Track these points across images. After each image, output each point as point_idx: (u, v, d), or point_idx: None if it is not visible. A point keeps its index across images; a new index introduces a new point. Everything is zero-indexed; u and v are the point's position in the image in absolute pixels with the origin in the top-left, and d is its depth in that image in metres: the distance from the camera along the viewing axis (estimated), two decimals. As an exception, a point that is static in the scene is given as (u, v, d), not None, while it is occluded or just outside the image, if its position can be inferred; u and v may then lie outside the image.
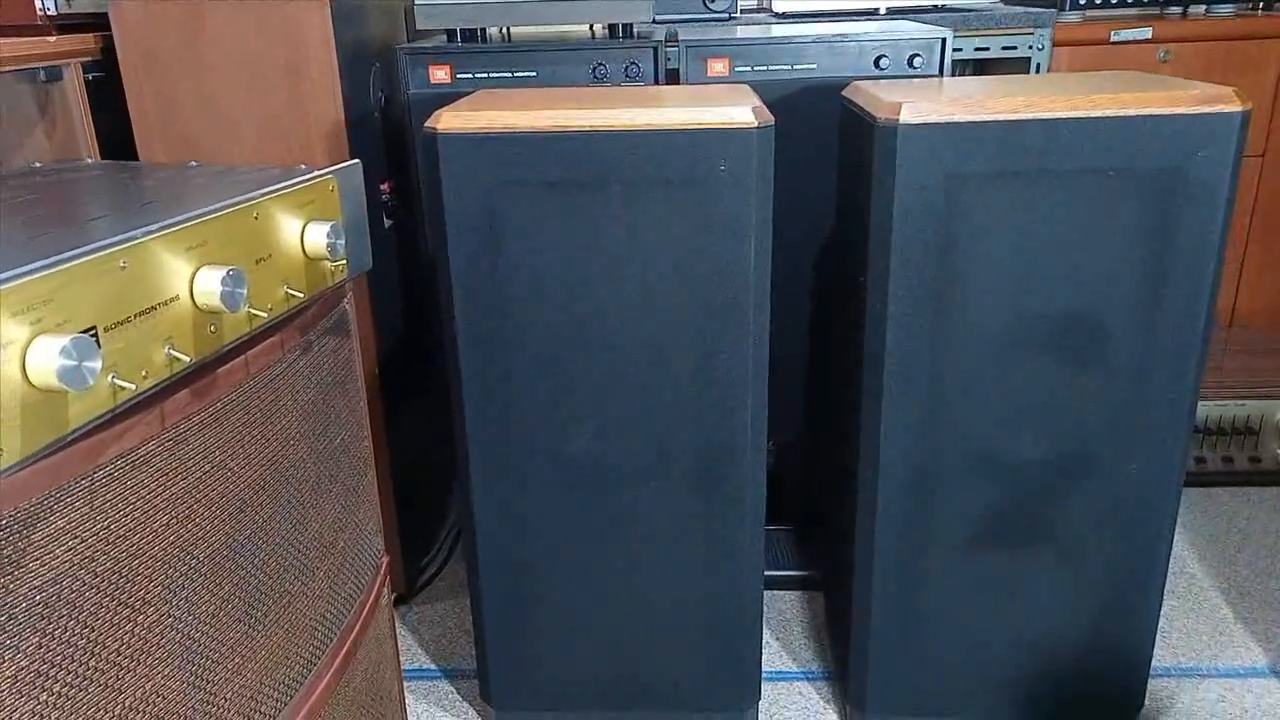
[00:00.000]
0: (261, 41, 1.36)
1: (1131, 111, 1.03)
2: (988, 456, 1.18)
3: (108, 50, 1.37)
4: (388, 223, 1.58)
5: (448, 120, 1.08)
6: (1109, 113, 1.03)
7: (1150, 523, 1.18)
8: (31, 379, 0.56)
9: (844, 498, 1.32)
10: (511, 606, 1.30)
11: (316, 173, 0.87)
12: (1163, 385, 1.12)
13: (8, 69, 1.21)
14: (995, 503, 1.20)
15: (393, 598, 1.20)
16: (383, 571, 1.11)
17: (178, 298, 0.68)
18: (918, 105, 1.05)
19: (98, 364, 0.58)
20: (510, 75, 1.44)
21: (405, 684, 1.41)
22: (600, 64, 1.43)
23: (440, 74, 1.45)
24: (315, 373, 0.92)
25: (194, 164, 0.95)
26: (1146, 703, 1.36)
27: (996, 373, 1.14)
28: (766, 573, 1.33)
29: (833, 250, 1.51)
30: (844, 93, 1.27)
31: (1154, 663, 1.46)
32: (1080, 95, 1.05)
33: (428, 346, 1.80)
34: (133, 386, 0.63)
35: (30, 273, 0.56)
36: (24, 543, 0.60)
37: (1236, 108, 1.02)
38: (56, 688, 0.63)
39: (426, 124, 1.09)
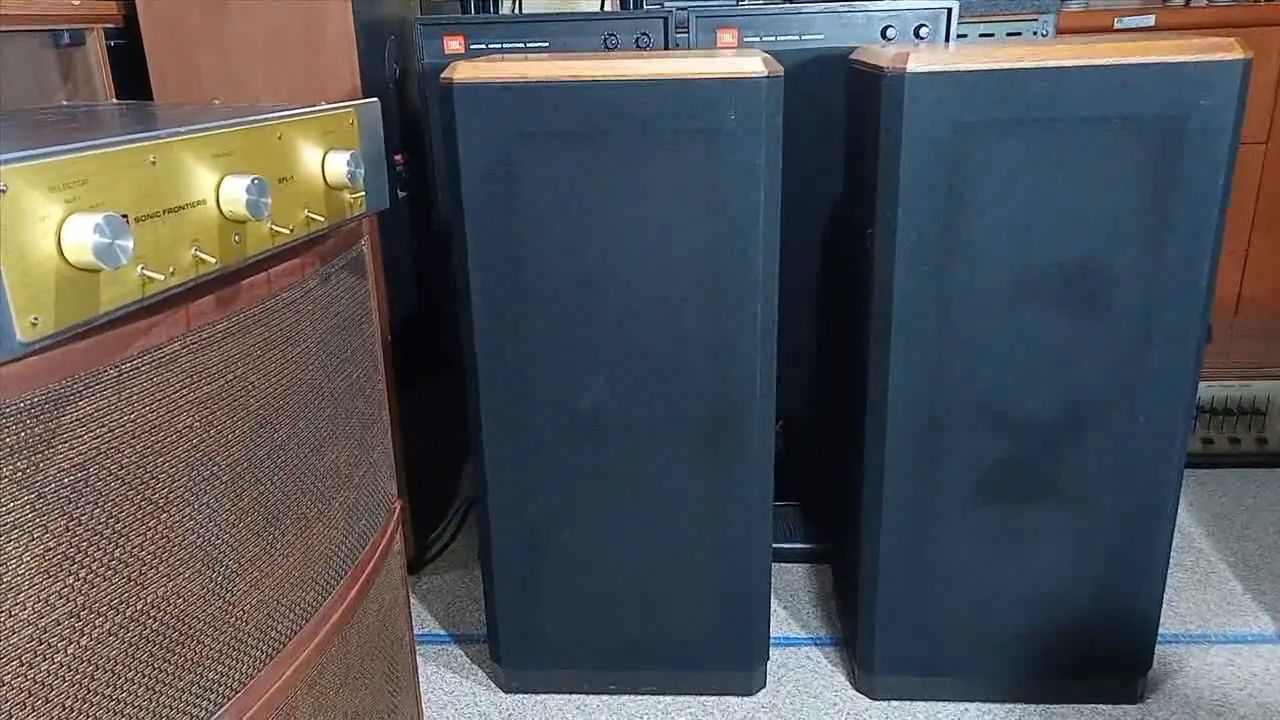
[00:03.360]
0: (281, 13, 1.39)
1: (1135, 60, 1.05)
2: (994, 408, 1.19)
3: (130, 18, 1.40)
4: (401, 194, 1.60)
5: (464, 70, 1.10)
6: (1113, 61, 1.05)
7: (1157, 475, 1.19)
8: (66, 255, 0.57)
9: (851, 458, 1.33)
10: (522, 563, 1.31)
11: (337, 105, 0.89)
12: (1169, 335, 1.13)
13: (30, 27, 1.24)
14: (1002, 456, 1.21)
15: (405, 555, 1.21)
16: (396, 516, 1.12)
17: (204, 202, 0.70)
18: (924, 55, 1.07)
19: (129, 243, 0.59)
20: (522, 45, 1.47)
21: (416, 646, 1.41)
22: (611, 34, 1.46)
23: (454, 44, 1.47)
24: (333, 305, 0.93)
25: (217, 101, 0.97)
26: (1155, 665, 1.36)
27: (1002, 323, 1.15)
28: (774, 545, 1.33)
29: (840, 220, 1.53)
30: (852, 56, 1.29)
31: (1162, 630, 1.46)
32: (1085, 46, 1.07)
33: (438, 323, 1.82)
34: (161, 278, 0.65)
35: (66, 151, 0.58)
36: (54, 423, 0.61)
37: (1239, 55, 1.04)
38: (83, 573, 0.64)
39: (443, 75, 1.11)
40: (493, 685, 1.40)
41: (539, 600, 1.33)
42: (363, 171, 0.88)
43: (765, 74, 1.08)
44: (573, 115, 1.10)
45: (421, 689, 1.38)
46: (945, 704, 1.33)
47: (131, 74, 1.40)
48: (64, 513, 0.63)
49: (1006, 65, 1.06)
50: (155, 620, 0.71)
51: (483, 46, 1.47)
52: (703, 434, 1.23)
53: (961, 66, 1.06)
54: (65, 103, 0.99)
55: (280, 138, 0.80)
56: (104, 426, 0.65)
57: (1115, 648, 1.28)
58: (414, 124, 1.65)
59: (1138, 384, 1.16)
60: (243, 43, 1.40)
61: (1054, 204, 1.11)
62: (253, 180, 0.72)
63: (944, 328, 1.16)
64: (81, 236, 0.57)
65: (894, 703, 1.34)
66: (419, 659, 1.46)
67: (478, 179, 1.13)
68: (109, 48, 1.38)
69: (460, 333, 1.22)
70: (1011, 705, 1.33)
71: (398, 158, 1.57)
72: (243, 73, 1.41)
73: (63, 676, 0.64)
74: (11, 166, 0.54)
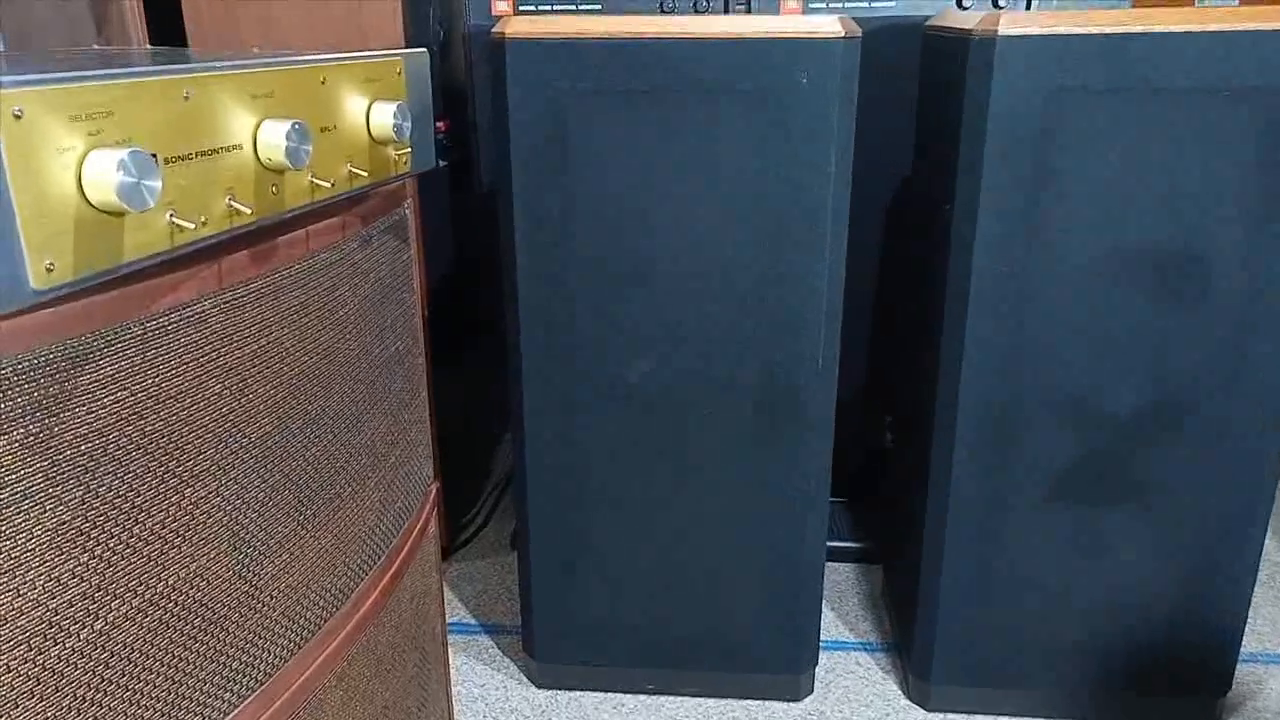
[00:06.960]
0: (323, -32, 1.33)
1: (1249, 26, 0.96)
2: (1075, 401, 1.10)
3: (167, -28, 1.35)
4: (442, 164, 1.54)
5: (516, 25, 1.03)
6: (1224, 27, 0.96)
7: (1250, 478, 1.10)
8: (87, 193, 0.51)
9: (914, 450, 1.25)
10: (560, 551, 1.24)
11: (384, 52, 0.82)
12: (1270, 327, 1.04)
13: (67, -22, 1.19)
14: (1081, 452, 1.12)
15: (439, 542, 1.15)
16: (432, 499, 1.06)
17: (240, 147, 0.64)
18: (1017, 17, 0.99)
19: (158, 184, 0.53)
20: (574, 9, 1.40)
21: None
22: (668, -2, 1.38)
23: (502, 5, 1.40)
24: (374, 270, 0.87)
25: (256, 49, 0.91)
26: (1233, 686, 1.27)
27: (1088, 307, 1.07)
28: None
29: (905, 202, 1.45)
30: (929, 22, 1.21)
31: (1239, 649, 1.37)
32: (1194, 11, 0.98)
33: (476, 300, 1.76)
34: (192, 227, 0.59)
35: (91, 78, 0.51)
36: (71, 384, 0.55)
37: (1367, 23, 0.94)
38: (99, 550, 0.58)
39: (494, 30, 1.04)
40: (525, 680, 1.34)
41: (576, 591, 1.26)
42: (409, 125, 0.82)
43: (842, 35, 1.00)
44: (631, 74, 1.03)
45: (451, 682, 1.32)
46: (1004, 718, 1.25)
47: (167, 28, 1.34)
48: (80, 483, 0.56)
49: (1108, 29, 0.97)
50: (176, 604, 0.65)
51: (532, 8, 1.40)
52: (759, 415, 1.15)
53: (1057, 30, 0.98)
54: (96, 45, 0.93)
55: (324, 82, 0.73)
56: (126, 390, 0.58)
57: (1194, 665, 1.20)
58: (458, 92, 1.58)
59: (1234, 378, 1.07)
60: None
61: (1150, 181, 1.02)
62: (294, 125, 0.66)
63: (1024, 311, 1.07)
64: (104, 173, 0.51)
65: (950, 715, 1.26)
66: (449, 650, 1.40)
67: (527, 140, 1.06)
68: (145, 1, 1.32)
69: (503, 302, 1.15)
70: (1076, 722, 1.24)
71: (439, 125, 1.51)
72: (284, 31, 1.35)
73: (74, 663, 0.58)
74: (29, 89, 0.48)
